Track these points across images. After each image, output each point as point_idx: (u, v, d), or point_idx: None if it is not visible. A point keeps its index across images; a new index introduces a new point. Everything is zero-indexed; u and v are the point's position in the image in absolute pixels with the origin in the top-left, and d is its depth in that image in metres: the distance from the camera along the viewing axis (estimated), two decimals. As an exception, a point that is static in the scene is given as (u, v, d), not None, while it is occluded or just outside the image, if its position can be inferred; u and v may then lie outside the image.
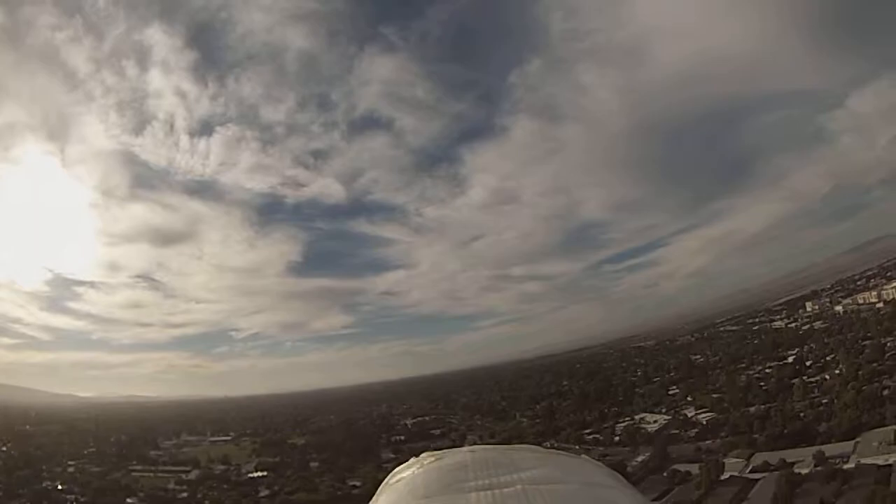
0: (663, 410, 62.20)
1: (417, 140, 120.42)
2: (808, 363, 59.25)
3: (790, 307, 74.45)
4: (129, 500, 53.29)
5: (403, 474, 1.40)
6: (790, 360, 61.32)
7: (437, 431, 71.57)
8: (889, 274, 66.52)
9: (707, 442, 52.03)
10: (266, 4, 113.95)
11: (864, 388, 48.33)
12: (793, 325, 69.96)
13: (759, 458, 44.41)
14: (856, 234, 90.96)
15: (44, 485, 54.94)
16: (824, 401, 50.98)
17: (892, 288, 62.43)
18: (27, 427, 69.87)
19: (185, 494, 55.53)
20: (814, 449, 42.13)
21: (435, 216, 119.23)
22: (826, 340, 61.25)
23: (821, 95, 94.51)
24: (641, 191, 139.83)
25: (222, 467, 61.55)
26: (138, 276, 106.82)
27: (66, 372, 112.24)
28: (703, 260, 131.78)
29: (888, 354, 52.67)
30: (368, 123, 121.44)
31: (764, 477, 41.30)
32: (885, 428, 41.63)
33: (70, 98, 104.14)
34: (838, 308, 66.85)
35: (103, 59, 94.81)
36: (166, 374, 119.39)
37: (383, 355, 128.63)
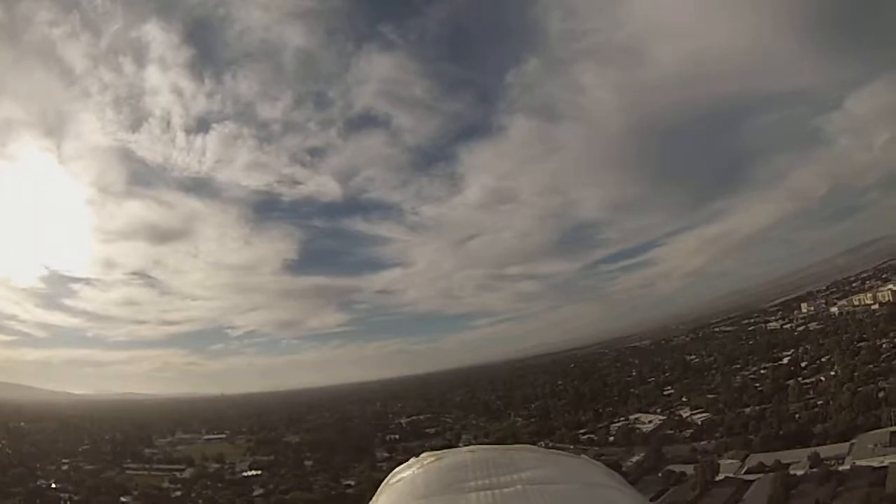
0: (658, 411, 62.31)
1: (414, 139, 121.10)
2: (803, 364, 59.49)
3: (786, 308, 74.80)
4: (123, 499, 53.05)
5: (403, 474, 1.40)
6: (785, 361, 61.61)
7: (432, 430, 71.63)
8: (884, 276, 66.86)
9: (702, 443, 52.14)
10: (264, 2, 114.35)
11: (859, 389, 48.53)
12: (788, 326, 70.28)
13: (754, 460, 44.43)
14: (852, 235, 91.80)
15: (38, 483, 54.69)
16: (819, 402, 51.22)
17: (888, 290, 62.69)
18: (21, 424, 69.58)
19: (179, 493, 55.35)
20: (809, 450, 42.18)
21: (431, 215, 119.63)
22: (821, 342, 61.50)
23: (818, 97, 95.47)
24: (638, 191, 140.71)
25: (217, 466, 61.42)
26: (134, 273, 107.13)
27: (61, 369, 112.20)
28: (699, 260, 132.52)
29: (883, 356, 52.89)
30: (365, 122, 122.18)
31: (759, 478, 41.30)
32: (880, 430, 41.75)
33: (67, 94, 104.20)
34: (834, 309, 67.17)
35: (100, 56, 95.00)
36: (161, 372, 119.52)
37: (379, 354, 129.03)
